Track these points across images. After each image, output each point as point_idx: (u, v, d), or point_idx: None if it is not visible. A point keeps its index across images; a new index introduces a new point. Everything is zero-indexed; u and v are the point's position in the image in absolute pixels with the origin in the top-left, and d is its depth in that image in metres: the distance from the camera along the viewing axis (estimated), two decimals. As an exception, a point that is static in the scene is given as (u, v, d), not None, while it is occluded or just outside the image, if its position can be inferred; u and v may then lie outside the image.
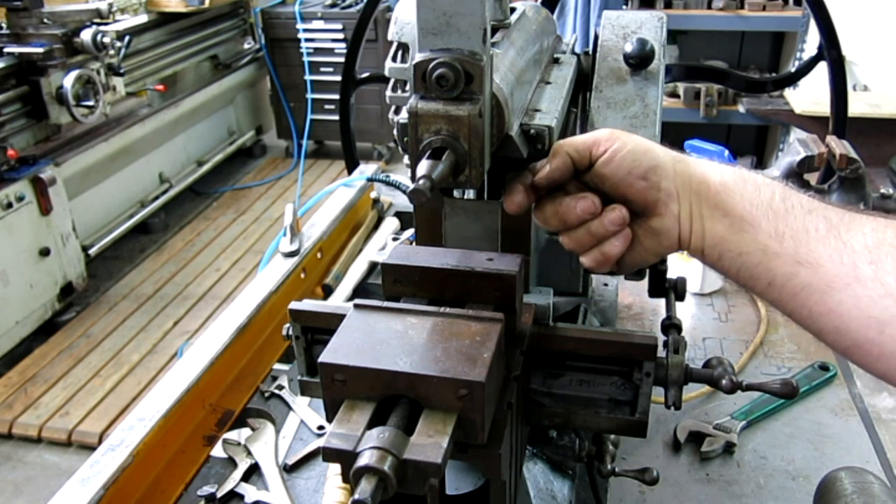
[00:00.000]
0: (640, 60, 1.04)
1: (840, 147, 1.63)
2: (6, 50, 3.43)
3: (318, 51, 5.24)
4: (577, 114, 1.16)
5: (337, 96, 2.12)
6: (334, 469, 1.11)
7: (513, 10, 0.97)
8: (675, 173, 0.74)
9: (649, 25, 1.10)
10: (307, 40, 5.21)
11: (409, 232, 1.78)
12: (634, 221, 0.75)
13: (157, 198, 4.59)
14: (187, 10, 4.57)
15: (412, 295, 0.78)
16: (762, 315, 1.53)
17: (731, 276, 0.74)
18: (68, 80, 3.51)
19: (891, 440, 2.27)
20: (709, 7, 4.45)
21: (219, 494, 1.10)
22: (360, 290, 1.58)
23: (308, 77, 5.28)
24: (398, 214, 1.87)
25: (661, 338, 0.85)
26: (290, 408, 1.30)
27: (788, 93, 4.15)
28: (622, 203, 0.74)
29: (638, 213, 0.75)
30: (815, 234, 0.68)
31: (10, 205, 3.24)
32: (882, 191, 1.69)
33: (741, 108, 4.42)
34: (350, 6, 5.23)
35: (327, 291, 1.59)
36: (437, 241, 0.90)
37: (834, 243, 0.67)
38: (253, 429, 1.24)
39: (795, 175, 1.69)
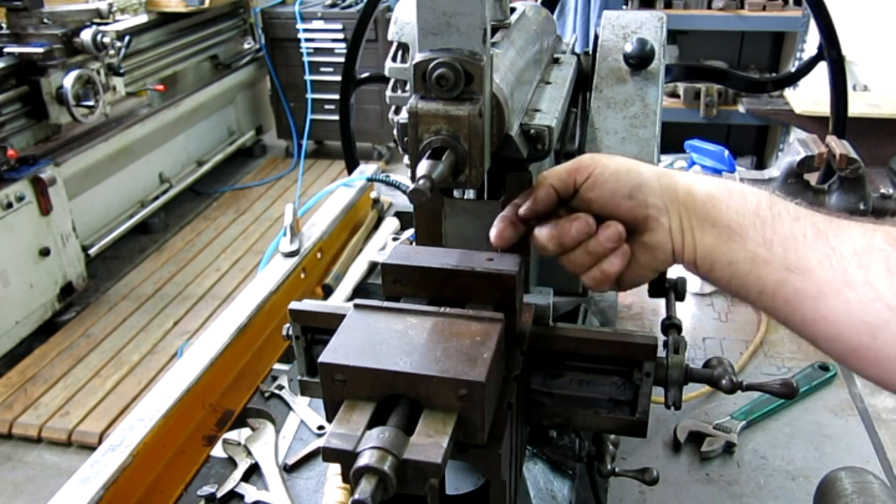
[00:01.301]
0: (640, 60, 1.04)
1: (840, 147, 1.63)
2: (6, 50, 3.43)
3: (318, 51, 5.24)
4: (577, 114, 1.16)
5: (337, 96, 2.12)
6: (334, 469, 1.11)
7: (513, 10, 0.97)
8: (660, 188, 0.75)
9: (649, 25, 1.10)
10: (307, 40, 5.21)
11: (409, 232, 1.78)
12: (629, 239, 0.76)
13: (157, 198, 4.59)
14: (187, 10, 4.57)
15: (412, 295, 0.78)
16: (762, 315, 1.53)
17: (723, 286, 0.75)
18: (68, 80, 3.51)
19: (891, 440, 2.27)
20: (709, 7, 4.45)
21: (219, 494, 1.10)
22: (360, 290, 1.58)
23: (308, 77, 5.28)
24: (398, 214, 1.87)
25: (661, 338, 0.85)
26: (290, 408, 1.30)
27: (788, 93, 4.16)
28: None
29: (630, 231, 0.75)
30: (803, 240, 0.68)
31: (10, 205, 3.24)
32: (882, 191, 1.68)
33: (741, 108, 4.43)
34: (350, 6, 5.23)
35: (327, 291, 1.59)
36: (437, 241, 0.90)
37: (823, 248, 0.67)
38: (253, 429, 1.24)
39: (795, 175, 1.69)
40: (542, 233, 0.76)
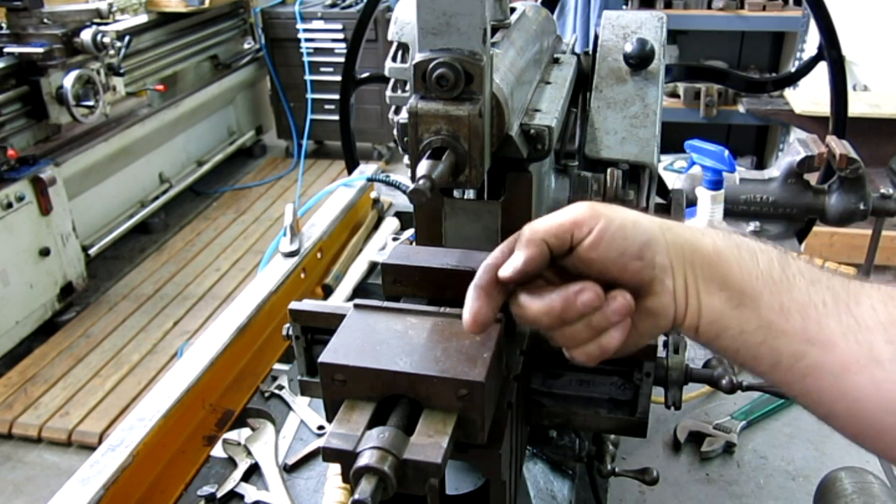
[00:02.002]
0: (640, 60, 1.04)
1: (840, 147, 1.63)
2: (6, 50, 3.42)
3: (318, 51, 5.23)
4: (577, 114, 1.16)
5: (337, 96, 2.12)
6: (334, 469, 1.11)
7: (513, 10, 0.97)
8: (666, 243, 0.64)
9: (649, 25, 1.11)
10: (307, 40, 5.21)
11: (409, 232, 1.78)
12: None
13: (157, 198, 4.59)
14: (187, 10, 4.57)
15: (412, 295, 0.78)
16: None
17: (728, 355, 0.66)
18: (68, 80, 3.51)
19: (891, 440, 2.26)
20: (709, 7, 4.45)
21: (219, 494, 1.10)
22: (360, 290, 1.58)
23: (308, 77, 5.28)
24: (398, 214, 1.87)
25: (661, 338, 0.85)
26: (290, 408, 1.30)
27: (788, 93, 4.16)
28: (612, 287, 0.63)
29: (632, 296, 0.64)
30: (822, 308, 0.61)
31: (10, 205, 3.24)
32: (882, 191, 1.69)
33: (741, 108, 4.43)
34: (350, 6, 5.23)
35: (327, 291, 1.59)
36: (437, 241, 0.90)
37: (845, 319, 0.60)
38: (253, 429, 1.24)
39: (795, 175, 1.69)
40: (533, 305, 0.63)
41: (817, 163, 1.66)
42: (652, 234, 0.64)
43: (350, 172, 2.06)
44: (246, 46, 5.54)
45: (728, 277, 0.64)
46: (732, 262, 0.64)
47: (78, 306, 3.80)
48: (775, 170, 1.74)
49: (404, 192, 1.81)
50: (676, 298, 0.65)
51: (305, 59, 5.24)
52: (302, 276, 1.56)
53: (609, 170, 0.99)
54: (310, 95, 5.32)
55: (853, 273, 0.66)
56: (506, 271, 0.63)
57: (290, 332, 0.86)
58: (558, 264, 0.65)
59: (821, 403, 0.63)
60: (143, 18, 4.43)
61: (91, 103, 3.67)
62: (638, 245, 0.63)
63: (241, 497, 1.11)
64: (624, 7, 4.31)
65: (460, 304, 0.75)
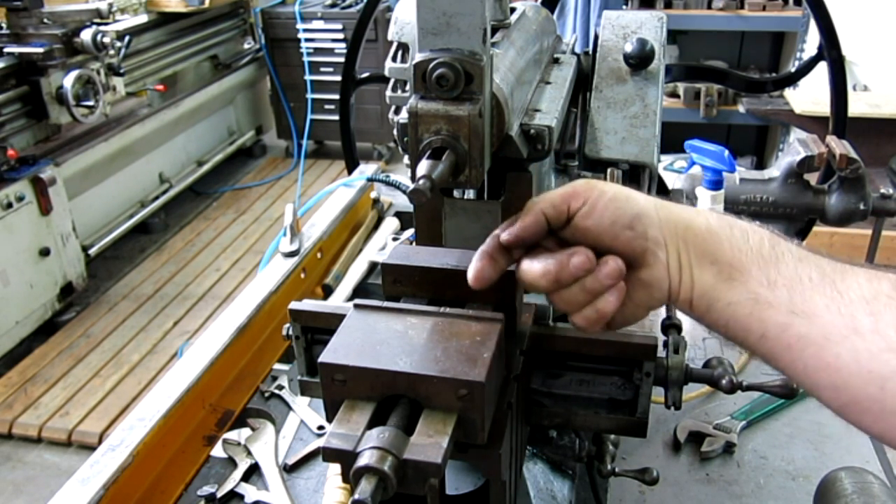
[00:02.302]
0: (640, 60, 1.04)
1: (840, 147, 1.63)
2: (6, 50, 3.42)
3: (318, 51, 5.23)
4: (577, 114, 1.16)
5: (337, 96, 2.12)
6: (334, 469, 1.11)
7: (513, 10, 0.97)
8: (659, 220, 0.69)
9: (649, 25, 1.11)
10: (307, 40, 5.21)
11: (409, 232, 1.78)
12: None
13: (157, 198, 4.59)
14: (187, 10, 4.57)
15: (412, 295, 0.78)
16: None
17: (719, 328, 0.70)
18: (68, 80, 3.51)
19: (891, 440, 2.26)
20: (709, 7, 4.45)
21: (219, 494, 1.10)
22: (360, 290, 1.58)
23: (308, 77, 5.28)
24: (398, 214, 1.87)
25: (661, 338, 0.85)
26: (290, 408, 1.30)
27: (788, 93, 4.16)
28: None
29: (626, 266, 0.69)
30: (808, 283, 0.65)
31: (10, 205, 3.24)
32: (882, 191, 1.69)
33: (741, 108, 4.43)
34: (350, 6, 5.23)
35: (327, 291, 1.59)
36: (437, 241, 0.90)
37: (830, 293, 0.63)
38: (253, 429, 1.24)
39: (795, 175, 1.69)
40: (533, 267, 0.69)
41: (817, 163, 1.66)
42: (644, 208, 0.69)
43: (350, 172, 2.06)
44: (246, 46, 5.54)
45: (719, 253, 0.68)
46: (724, 239, 0.68)
47: (78, 306, 3.80)
48: (775, 170, 1.74)
49: (404, 192, 1.81)
50: (670, 272, 0.69)
51: (305, 59, 5.24)
52: (302, 276, 1.56)
53: (609, 170, 0.99)
54: (310, 95, 5.32)
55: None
56: (504, 235, 0.69)
57: (290, 332, 0.86)
58: (560, 236, 0.70)
59: (806, 374, 0.65)
60: (143, 18, 4.43)
61: (91, 103, 3.67)
62: (629, 216, 0.68)
63: (241, 497, 1.11)
64: (624, 7, 4.31)
65: (460, 304, 0.75)
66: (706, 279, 0.68)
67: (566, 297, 0.69)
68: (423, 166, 0.66)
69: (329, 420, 0.65)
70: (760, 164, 5.02)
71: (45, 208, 3.44)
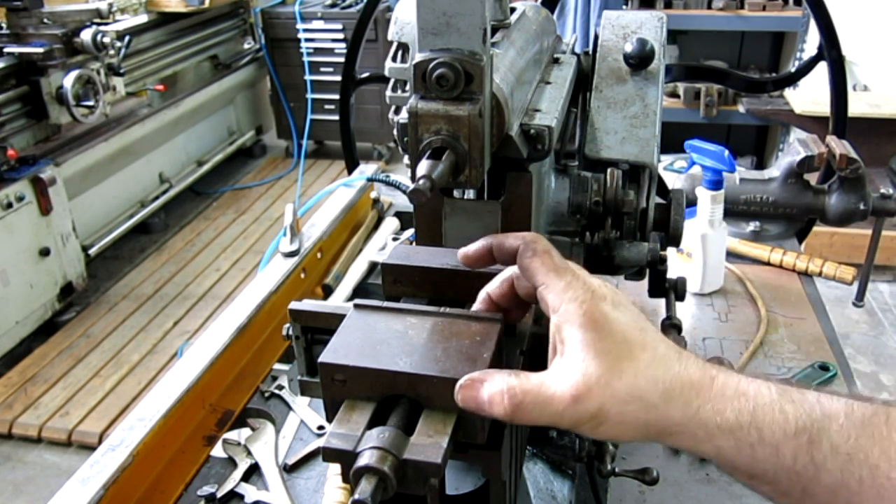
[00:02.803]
0: (640, 60, 1.04)
1: (840, 147, 1.63)
2: (6, 50, 3.43)
3: (318, 51, 5.24)
4: (577, 114, 1.16)
5: (337, 96, 2.12)
6: (334, 469, 1.11)
7: (513, 10, 0.97)
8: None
9: (649, 25, 1.11)
10: (307, 40, 5.21)
11: (409, 232, 1.78)
12: None
13: (157, 198, 4.59)
14: (187, 10, 4.57)
15: (412, 295, 0.78)
16: (762, 315, 1.53)
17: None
18: (68, 80, 3.51)
19: (891, 440, 2.26)
20: (709, 7, 4.45)
21: (219, 494, 1.10)
22: (360, 290, 1.58)
23: (308, 77, 5.28)
24: (398, 214, 1.87)
25: (661, 338, 0.84)
26: (290, 408, 1.30)
27: (788, 93, 4.16)
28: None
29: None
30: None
31: (10, 205, 3.24)
32: (882, 191, 1.69)
33: (741, 108, 4.43)
34: (350, 6, 5.23)
35: (327, 291, 1.59)
36: (437, 241, 0.90)
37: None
38: (253, 429, 1.24)
39: (795, 175, 1.69)
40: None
41: (817, 163, 1.66)
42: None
43: (350, 172, 2.06)
44: (246, 46, 5.54)
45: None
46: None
47: (78, 306, 3.81)
48: (775, 170, 1.74)
49: (404, 192, 1.81)
50: None
51: (305, 59, 5.24)
52: (302, 276, 1.56)
53: (609, 170, 0.99)
54: (310, 95, 5.32)
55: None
56: (464, 259, 0.71)
57: (290, 332, 0.85)
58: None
59: None
60: (143, 18, 4.43)
61: (91, 103, 3.67)
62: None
63: (241, 497, 1.11)
64: (624, 7, 4.31)
65: (460, 304, 0.75)
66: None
67: None
68: (423, 166, 0.66)
69: (329, 420, 0.65)
70: (760, 164, 5.02)
71: (45, 208, 3.44)
